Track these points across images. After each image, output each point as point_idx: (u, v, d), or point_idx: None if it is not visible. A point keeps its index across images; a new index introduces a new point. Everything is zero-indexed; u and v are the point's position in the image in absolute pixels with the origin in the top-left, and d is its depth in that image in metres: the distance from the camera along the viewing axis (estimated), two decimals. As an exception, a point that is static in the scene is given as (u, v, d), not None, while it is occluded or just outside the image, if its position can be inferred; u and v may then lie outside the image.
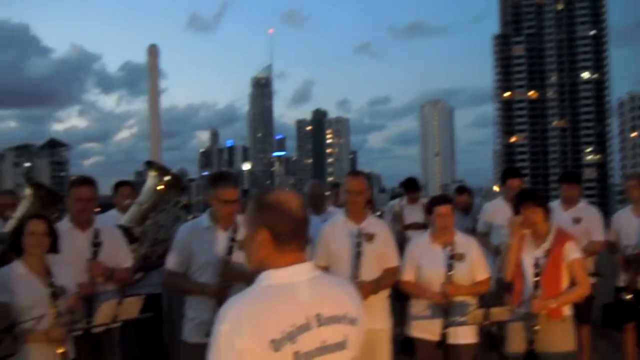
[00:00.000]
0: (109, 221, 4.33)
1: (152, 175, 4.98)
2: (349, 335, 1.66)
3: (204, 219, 3.51)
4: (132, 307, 2.99)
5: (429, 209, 3.94)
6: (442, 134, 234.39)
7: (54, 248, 3.18)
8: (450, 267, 3.62)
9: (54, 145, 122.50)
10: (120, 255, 3.76)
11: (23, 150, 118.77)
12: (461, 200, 6.17)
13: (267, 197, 1.68)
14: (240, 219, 3.47)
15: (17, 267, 3.07)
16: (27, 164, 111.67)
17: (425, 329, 3.70)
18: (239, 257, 3.39)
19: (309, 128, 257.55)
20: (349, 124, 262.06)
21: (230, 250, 3.34)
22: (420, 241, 3.94)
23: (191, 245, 3.41)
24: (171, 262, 3.47)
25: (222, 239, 3.41)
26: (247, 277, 3.41)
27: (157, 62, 16.72)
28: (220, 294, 3.28)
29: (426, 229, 5.92)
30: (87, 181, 3.70)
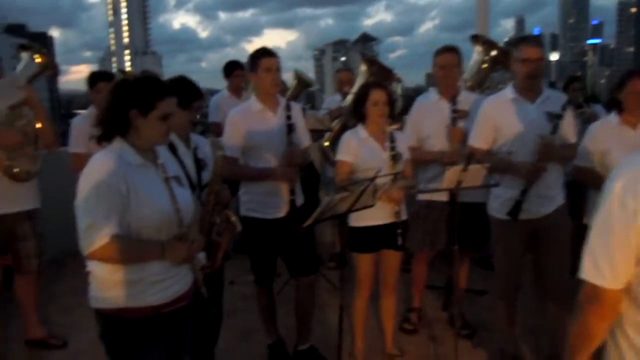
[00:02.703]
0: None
1: (478, 50, 4.80)
2: None
3: (508, 90, 3.26)
4: (476, 175, 2.96)
5: None
6: None
7: (391, 115, 3.33)
8: None
9: (365, 39, 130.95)
10: None
11: (339, 45, 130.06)
12: None
13: None
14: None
15: (360, 132, 3.29)
16: (343, 58, 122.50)
17: None
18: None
19: (633, 10, 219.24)
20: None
21: (554, 129, 3.05)
22: None
23: (496, 119, 3.21)
24: (476, 138, 3.32)
25: (532, 111, 3.14)
26: (567, 156, 3.15)
27: None
28: (533, 174, 3.06)
29: None
30: (450, 49, 3.70)
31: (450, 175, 2.94)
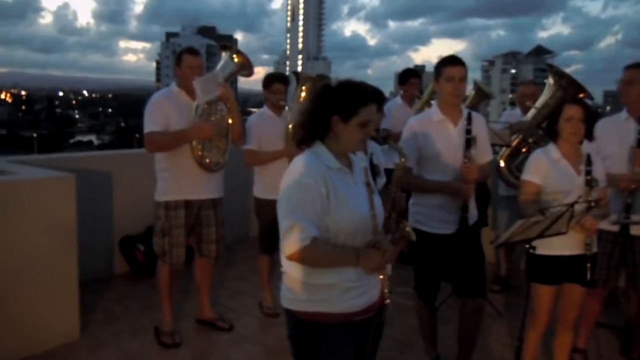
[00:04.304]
0: None
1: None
2: None
3: None
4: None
5: None
6: None
7: (589, 135, 3.02)
8: None
9: (539, 52, 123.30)
10: None
11: (510, 57, 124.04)
12: None
13: None
14: None
15: (552, 151, 3.03)
16: (513, 71, 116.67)
17: None
18: None
19: None
20: None
21: None
22: None
23: None
24: None
25: None
26: None
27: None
28: None
29: None
30: (637, 64, 3.48)
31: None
